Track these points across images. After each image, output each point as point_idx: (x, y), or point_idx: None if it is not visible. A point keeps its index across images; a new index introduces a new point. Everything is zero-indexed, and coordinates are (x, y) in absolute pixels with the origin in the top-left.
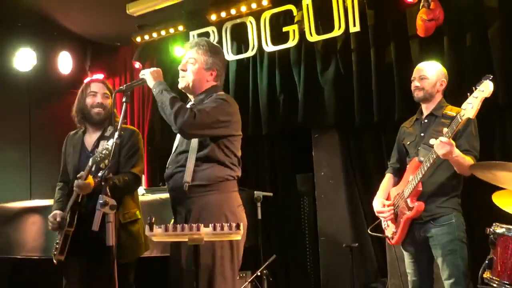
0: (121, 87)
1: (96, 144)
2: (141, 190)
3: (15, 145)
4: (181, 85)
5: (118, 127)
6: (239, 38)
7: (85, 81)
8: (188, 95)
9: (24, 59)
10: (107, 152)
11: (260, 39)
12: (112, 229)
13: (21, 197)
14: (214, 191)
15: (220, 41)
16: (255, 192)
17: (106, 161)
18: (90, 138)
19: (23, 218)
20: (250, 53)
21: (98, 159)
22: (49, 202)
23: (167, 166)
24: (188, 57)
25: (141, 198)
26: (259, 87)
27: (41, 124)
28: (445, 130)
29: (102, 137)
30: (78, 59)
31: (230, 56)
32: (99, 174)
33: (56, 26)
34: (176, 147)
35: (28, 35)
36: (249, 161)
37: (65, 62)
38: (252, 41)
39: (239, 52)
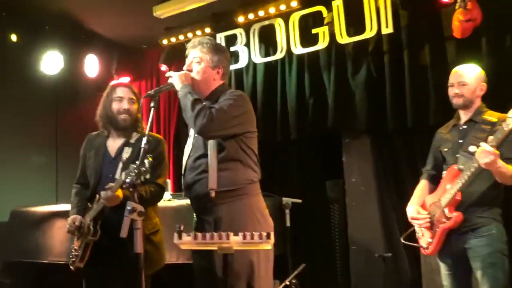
0: (149, 92)
1: (120, 151)
2: (167, 195)
3: (41, 149)
4: None
5: (146, 133)
6: (267, 40)
7: (111, 84)
8: None
9: (51, 62)
10: (143, 169)
11: (288, 41)
12: (140, 236)
13: (48, 201)
14: (242, 195)
15: (248, 43)
16: (283, 198)
17: (142, 178)
18: (114, 144)
19: (50, 222)
20: (278, 56)
21: (134, 175)
22: None
23: (183, 173)
24: (193, 57)
25: (167, 204)
26: (288, 91)
27: (68, 127)
28: (490, 138)
29: (127, 144)
30: (104, 62)
31: (258, 58)
32: (127, 180)
33: (83, 28)
34: (190, 152)
35: (55, 38)
36: (277, 166)
37: (91, 65)
38: (280, 43)
39: (267, 54)
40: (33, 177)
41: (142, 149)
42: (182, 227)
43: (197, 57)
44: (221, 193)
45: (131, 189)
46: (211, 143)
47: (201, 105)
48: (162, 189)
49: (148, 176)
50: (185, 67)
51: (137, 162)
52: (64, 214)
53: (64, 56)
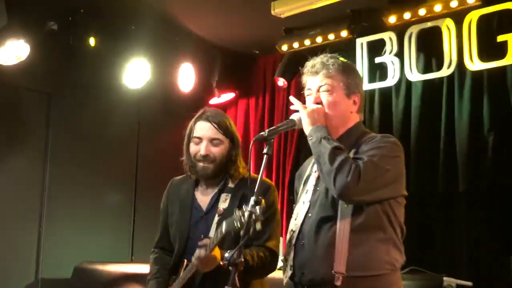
0: (262, 133)
1: (215, 201)
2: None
3: (119, 186)
4: None
5: (256, 190)
6: (429, 49)
7: (196, 115)
8: None
9: (136, 72)
10: (253, 217)
11: (461, 51)
12: None
13: (120, 257)
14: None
15: (400, 53)
16: (444, 278)
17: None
18: (205, 194)
19: (121, 286)
20: (445, 72)
21: (238, 226)
22: None
23: (294, 243)
24: (317, 85)
25: (275, 274)
26: (457, 121)
27: (152, 160)
28: None
29: (223, 189)
30: (203, 72)
31: (414, 74)
32: (226, 255)
33: (178, 29)
34: (308, 212)
35: (142, 41)
36: (437, 230)
37: (186, 77)
38: (449, 54)
39: (428, 69)
40: (104, 225)
41: (248, 212)
42: None
43: (325, 85)
44: (351, 280)
45: (230, 268)
46: (343, 204)
47: (344, 156)
48: (274, 256)
49: (258, 226)
50: (311, 102)
51: (243, 210)
52: (139, 279)
53: (152, 65)
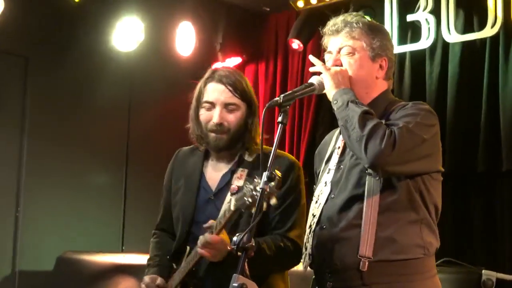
0: (277, 98)
1: (227, 178)
2: None
3: (107, 164)
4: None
5: (269, 164)
6: (471, 5)
7: (205, 75)
8: None
9: (127, 32)
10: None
11: (508, 7)
12: None
13: (110, 246)
14: (413, 274)
15: (436, 10)
16: (483, 271)
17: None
18: (216, 170)
19: (110, 279)
20: (488, 32)
21: (249, 202)
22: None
23: (314, 226)
24: (338, 47)
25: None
26: (501, 90)
27: (145, 132)
28: None
29: (239, 163)
30: (205, 33)
31: (453, 35)
32: (234, 239)
33: None
34: (330, 193)
35: None
36: (476, 216)
37: (185, 38)
38: (493, 10)
39: (468, 29)
40: (90, 209)
41: (261, 190)
42: None
43: (346, 46)
44: (378, 266)
45: (239, 253)
46: (371, 181)
47: (376, 121)
48: (297, 248)
49: (273, 201)
50: (330, 63)
51: (252, 184)
52: (131, 271)
53: (146, 24)
